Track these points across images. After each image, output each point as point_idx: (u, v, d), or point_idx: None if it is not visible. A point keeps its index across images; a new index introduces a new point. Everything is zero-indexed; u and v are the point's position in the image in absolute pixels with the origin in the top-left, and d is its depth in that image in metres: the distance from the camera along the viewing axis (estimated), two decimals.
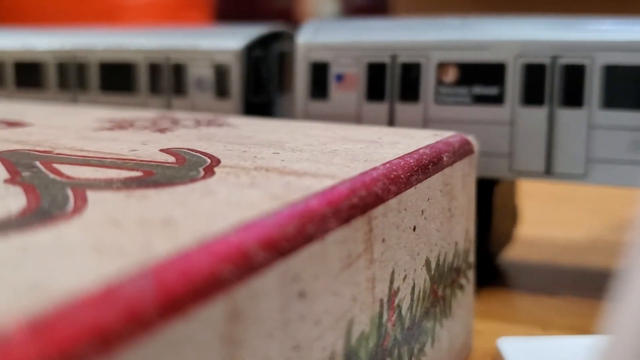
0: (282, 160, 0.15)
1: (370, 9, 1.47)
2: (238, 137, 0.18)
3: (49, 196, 0.12)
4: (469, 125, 0.23)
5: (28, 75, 0.31)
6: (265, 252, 0.10)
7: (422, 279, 0.16)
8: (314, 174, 0.14)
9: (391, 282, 0.15)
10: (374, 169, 0.15)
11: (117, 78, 0.28)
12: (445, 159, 0.17)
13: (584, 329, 0.22)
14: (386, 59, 0.24)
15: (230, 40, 0.27)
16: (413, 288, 0.16)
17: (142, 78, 0.28)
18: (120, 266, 0.09)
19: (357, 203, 0.13)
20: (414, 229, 0.15)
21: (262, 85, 0.27)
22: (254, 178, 0.14)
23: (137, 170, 0.14)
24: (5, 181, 0.13)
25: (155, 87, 0.28)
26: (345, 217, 0.13)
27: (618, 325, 0.09)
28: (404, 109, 0.24)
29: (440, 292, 0.17)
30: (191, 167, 0.15)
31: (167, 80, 0.28)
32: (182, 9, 1.28)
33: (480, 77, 0.23)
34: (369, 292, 0.14)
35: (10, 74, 0.31)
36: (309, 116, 0.25)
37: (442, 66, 0.23)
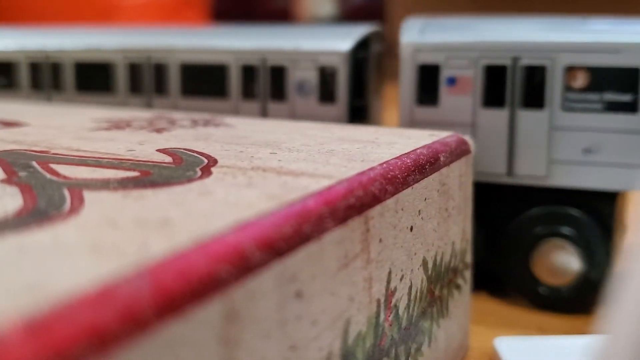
0: (279, 160, 0.15)
1: (368, 9, 1.47)
2: (235, 137, 0.18)
3: (46, 196, 0.12)
4: (600, 135, 0.21)
5: (94, 78, 0.29)
6: (262, 252, 0.10)
7: (419, 279, 0.16)
8: (311, 174, 0.14)
9: (388, 282, 0.15)
10: (371, 169, 0.15)
11: (204, 81, 0.26)
12: (442, 159, 0.17)
13: (581, 329, 0.22)
14: (507, 61, 0.22)
15: (336, 41, 0.25)
16: (410, 288, 0.16)
17: (234, 81, 0.26)
18: (117, 266, 0.09)
19: (354, 203, 0.13)
20: (411, 229, 0.15)
21: (362, 89, 0.26)
22: (251, 178, 0.14)
23: (134, 170, 0.14)
24: (2, 181, 0.13)
25: (248, 92, 0.26)
26: (342, 217, 0.13)
27: (614, 326, 0.09)
28: (526, 116, 0.22)
29: (437, 292, 0.17)
30: (188, 167, 0.15)
31: (262, 84, 0.25)
32: (179, 8, 1.28)
33: (612, 83, 0.21)
34: (366, 292, 0.14)
35: (69, 76, 0.29)
36: (415, 123, 0.23)
37: (570, 70, 0.21)
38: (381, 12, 1.25)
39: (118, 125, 0.20)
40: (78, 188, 0.13)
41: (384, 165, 0.15)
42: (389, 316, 0.15)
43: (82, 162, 0.15)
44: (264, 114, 0.26)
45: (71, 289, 0.08)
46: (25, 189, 0.13)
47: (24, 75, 0.29)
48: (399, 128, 0.21)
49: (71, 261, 0.09)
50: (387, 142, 0.18)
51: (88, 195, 0.12)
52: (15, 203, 0.12)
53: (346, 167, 0.15)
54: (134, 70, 0.28)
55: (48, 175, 0.14)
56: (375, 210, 0.14)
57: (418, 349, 0.16)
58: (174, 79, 0.27)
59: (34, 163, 0.15)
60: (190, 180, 0.13)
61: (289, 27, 0.27)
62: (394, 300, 0.15)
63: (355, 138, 0.18)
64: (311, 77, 0.25)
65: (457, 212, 0.18)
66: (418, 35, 0.23)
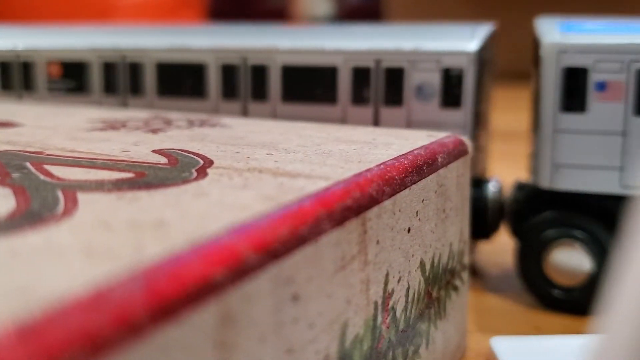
0: (276, 161, 0.15)
1: (365, 10, 1.47)
2: (231, 137, 0.18)
3: (39, 198, 0.12)
4: None
5: (177, 81, 0.26)
6: (258, 255, 0.10)
7: (416, 280, 0.16)
8: (307, 175, 0.14)
9: (385, 284, 0.14)
10: (368, 170, 0.14)
11: (309, 85, 0.24)
12: (439, 159, 0.17)
13: (577, 329, 0.22)
14: None
15: (461, 41, 0.23)
16: (407, 290, 0.16)
17: (343, 85, 0.24)
18: (110, 269, 0.09)
19: (351, 205, 0.13)
20: (409, 230, 0.15)
21: (480, 92, 0.24)
22: (247, 179, 0.14)
23: (129, 171, 0.14)
24: None
25: (359, 96, 0.24)
26: (339, 218, 0.12)
27: (611, 325, 0.09)
28: None
29: (434, 294, 0.17)
30: (183, 169, 0.14)
31: (375, 87, 0.23)
32: (176, 8, 1.28)
33: None
34: (363, 294, 0.13)
35: (151, 79, 0.27)
36: (559, 131, 0.22)
37: None
38: (378, 12, 1.25)
39: (113, 126, 0.20)
40: (72, 190, 0.13)
41: (381, 166, 0.15)
42: (387, 318, 0.15)
43: (77, 163, 0.15)
44: (376, 121, 0.24)
45: (64, 293, 0.08)
46: (18, 190, 0.13)
47: (95, 78, 0.27)
48: (395, 129, 0.21)
49: (64, 264, 0.09)
50: (384, 143, 0.17)
51: (82, 196, 0.12)
52: (8, 205, 0.12)
53: (343, 168, 0.15)
54: (229, 72, 0.25)
55: (42, 177, 0.14)
56: (373, 212, 0.14)
57: (415, 351, 0.16)
58: (274, 82, 0.25)
59: (28, 164, 0.15)
60: (185, 181, 0.13)
61: (403, 27, 0.25)
62: (391, 303, 0.15)
63: (352, 139, 0.18)
64: (433, 79, 0.23)
65: (454, 213, 0.18)
66: (562, 35, 0.22)
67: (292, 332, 0.11)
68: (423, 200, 0.16)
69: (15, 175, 0.14)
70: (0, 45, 0.29)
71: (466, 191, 0.19)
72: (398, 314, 0.15)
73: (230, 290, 0.09)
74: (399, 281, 0.15)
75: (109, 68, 0.27)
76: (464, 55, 0.23)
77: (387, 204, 0.14)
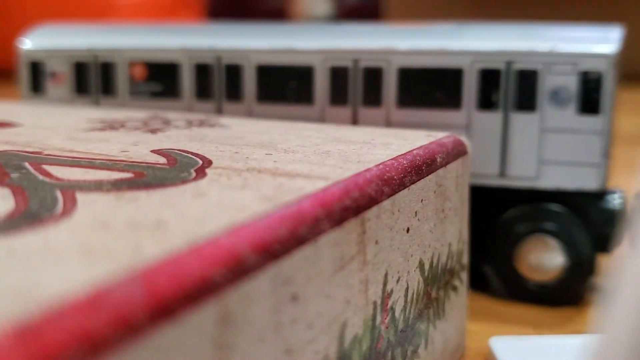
0: (275, 161, 0.15)
1: (364, 10, 1.47)
2: (230, 137, 0.18)
3: (38, 198, 0.12)
4: None
5: (280, 86, 0.24)
6: (256, 255, 0.10)
7: (415, 280, 0.16)
8: (306, 175, 0.14)
9: (384, 284, 0.14)
10: (367, 170, 0.14)
11: (428, 89, 0.23)
12: (438, 159, 0.17)
13: (576, 329, 0.22)
14: None
15: (598, 42, 0.21)
16: (406, 290, 0.16)
17: (469, 88, 0.22)
18: (109, 270, 0.09)
19: (350, 205, 0.13)
20: (408, 230, 0.15)
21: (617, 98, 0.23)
22: (246, 179, 0.14)
23: (128, 171, 0.14)
24: None
25: (487, 101, 0.22)
26: (338, 219, 0.12)
27: (609, 325, 0.09)
28: None
29: (433, 294, 0.17)
30: (182, 169, 0.14)
31: (505, 92, 0.22)
32: (174, 8, 1.28)
33: None
34: (362, 294, 0.13)
35: (251, 83, 0.24)
36: None
37: None
38: (377, 12, 1.25)
39: (112, 126, 0.20)
40: (71, 190, 0.13)
41: (380, 166, 0.15)
42: (386, 318, 0.15)
43: (75, 163, 0.15)
44: (504, 128, 0.22)
45: (62, 294, 0.08)
46: (17, 190, 0.13)
47: (186, 81, 0.25)
48: (393, 129, 0.21)
49: (62, 265, 0.09)
50: (383, 143, 0.17)
51: (81, 197, 0.12)
52: (7, 205, 0.12)
53: (342, 168, 0.15)
54: (338, 75, 0.23)
55: (40, 177, 0.14)
56: (372, 212, 0.14)
57: (414, 351, 0.16)
58: (390, 86, 0.23)
59: (27, 164, 0.15)
60: (184, 181, 0.13)
61: (533, 26, 0.23)
62: (390, 303, 0.15)
63: (351, 139, 0.18)
64: (569, 83, 0.21)
65: (453, 213, 0.18)
66: None
67: (291, 332, 0.11)
68: (422, 200, 0.16)
69: (14, 175, 0.14)
70: (76, 44, 0.27)
71: (465, 191, 0.19)
72: (397, 314, 0.15)
73: (229, 290, 0.09)
74: (398, 281, 0.15)
75: (202, 70, 0.25)
76: (604, 58, 0.21)
77: (386, 204, 0.14)
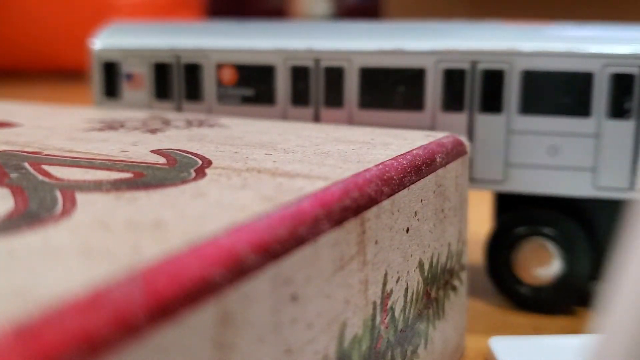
0: (274, 161, 0.15)
1: (363, 9, 1.47)
2: (230, 137, 0.18)
3: (37, 198, 0.12)
4: None
5: (387, 91, 0.22)
6: (256, 255, 0.10)
7: (415, 280, 0.16)
8: (306, 175, 0.14)
9: (384, 284, 0.14)
10: (367, 170, 0.14)
11: (556, 94, 0.21)
12: (438, 160, 0.17)
13: (576, 329, 0.22)
14: None
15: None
16: (406, 290, 0.16)
17: (599, 94, 0.21)
18: (108, 270, 0.09)
19: (349, 205, 0.13)
20: (407, 230, 0.15)
21: None
22: (246, 179, 0.14)
23: (127, 171, 0.14)
24: None
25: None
26: (338, 219, 0.12)
27: (609, 325, 0.09)
28: None
29: (433, 294, 0.17)
30: (182, 169, 0.14)
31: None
32: (173, 8, 1.28)
33: None
34: (362, 294, 0.13)
35: (353, 87, 0.22)
36: None
37: None
38: (376, 11, 1.25)
39: (111, 126, 0.20)
40: (70, 190, 0.13)
41: (380, 166, 0.15)
42: (385, 318, 0.15)
43: (75, 163, 0.15)
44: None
45: (62, 294, 0.08)
46: (16, 190, 0.12)
47: (281, 85, 0.23)
48: (393, 129, 0.21)
49: (62, 265, 0.09)
50: (382, 143, 0.17)
51: (80, 197, 0.12)
52: (6, 205, 0.12)
53: (342, 168, 0.15)
54: (452, 78, 0.22)
55: (40, 177, 0.14)
56: (371, 212, 0.14)
57: (414, 351, 0.16)
58: (512, 90, 0.21)
59: (26, 164, 0.15)
60: (184, 181, 0.13)
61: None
62: (390, 303, 0.15)
63: (350, 139, 0.18)
64: None
65: (453, 213, 0.18)
66: None
67: (290, 332, 0.11)
68: (422, 200, 0.16)
69: (14, 175, 0.14)
70: (156, 43, 0.24)
71: (465, 191, 0.19)
72: (397, 314, 0.15)
73: (228, 290, 0.09)
74: (397, 281, 0.15)
75: (299, 74, 0.23)
76: None
77: (386, 204, 0.14)
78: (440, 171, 0.17)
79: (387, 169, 0.15)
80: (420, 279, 0.16)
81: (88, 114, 0.22)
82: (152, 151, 0.16)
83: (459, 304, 0.19)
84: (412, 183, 0.15)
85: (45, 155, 0.16)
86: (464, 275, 0.19)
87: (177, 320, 0.09)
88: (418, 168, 0.16)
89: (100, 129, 0.19)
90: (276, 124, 0.21)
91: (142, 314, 0.08)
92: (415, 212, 0.16)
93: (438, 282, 0.17)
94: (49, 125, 0.20)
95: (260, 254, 0.10)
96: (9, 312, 0.07)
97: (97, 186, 0.13)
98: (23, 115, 0.22)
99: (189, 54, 0.24)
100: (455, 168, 0.18)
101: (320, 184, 0.13)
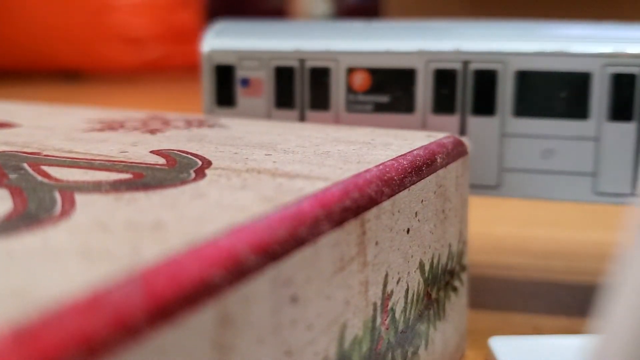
0: (274, 161, 0.15)
1: (363, 9, 1.47)
2: (229, 138, 0.18)
3: (36, 199, 0.12)
4: None
5: (545, 96, 0.20)
6: (256, 256, 0.10)
7: (415, 281, 0.16)
8: (306, 175, 0.14)
9: (384, 285, 0.14)
10: (367, 170, 0.14)
11: None
12: (439, 160, 0.17)
13: (576, 329, 0.22)
14: None
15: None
16: (407, 291, 0.15)
17: None
18: (107, 272, 0.09)
19: (350, 205, 0.13)
20: (408, 231, 0.15)
21: None
22: (246, 180, 0.13)
23: (127, 172, 0.14)
24: None
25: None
26: (338, 219, 0.12)
27: (608, 325, 0.09)
28: None
29: (434, 295, 0.17)
30: (182, 169, 0.14)
31: None
32: (173, 8, 1.28)
33: None
34: (362, 295, 0.13)
35: (506, 93, 0.20)
36: None
37: None
38: (376, 11, 1.25)
39: (111, 126, 0.20)
40: (69, 191, 0.13)
41: (380, 166, 0.15)
42: (386, 320, 0.14)
43: (74, 164, 0.15)
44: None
45: (61, 295, 0.08)
46: (15, 191, 0.12)
47: (421, 91, 0.21)
48: (393, 129, 0.21)
49: (61, 266, 0.09)
50: (383, 144, 0.17)
51: (80, 198, 0.12)
52: (5, 206, 0.11)
53: (342, 168, 0.14)
54: (621, 84, 0.20)
55: (39, 178, 0.14)
56: (372, 213, 0.14)
57: (415, 352, 0.16)
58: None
59: (25, 165, 0.15)
60: (183, 182, 0.13)
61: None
62: (390, 304, 0.15)
63: (350, 139, 0.18)
64: None
65: (453, 213, 0.18)
66: None
67: (290, 333, 0.11)
68: (422, 201, 0.16)
69: (13, 176, 0.14)
70: (277, 44, 0.22)
71: (465, 192, 0.19)
72: (397, 315, 0.15)
73: (228, 291, 0.09)
74: (398, 282, 0.15)
75: (443, 78, 0.21)
76: None
77: (386, 204, 0.14)
78: (440, 172, 0.17)
79: (387, 169, 0.15)
80: (421, 279, 0.16)
81: (87, 115, 0.22)
82: (152, 152, 0.16)
83: (460, 305, 0.19)
84: (413, 184, 0.15)
85: (45, 155, 0.16)
86: (464, 276, 0.19)
87: (177, 321, 0.09)
88: (418, 168, 0.16)
89: (100, 130, 0.19)
90: (276, 124, 0.21)
91: (141, 316, 0.08)
92: (416, 213, 0.16)
93: (439, 282, 0.17)
94: (48, 125, 0.20)
95: (260, 255, 0.10)
96: (8, 314, 0.07)
97: (96, 187, 0.13)
98: (22, 115, 0.22)
99: (315, 57, 0.22)
100: (456, 168, 0.18)
101: (320, 185, 0.13)
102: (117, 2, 1.22)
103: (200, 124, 0.20)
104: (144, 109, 0.26)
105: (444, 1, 1.09)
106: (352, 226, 0.13)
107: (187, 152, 0.16)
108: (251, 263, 0.10)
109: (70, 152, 0.16)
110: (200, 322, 0.09)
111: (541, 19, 0.24)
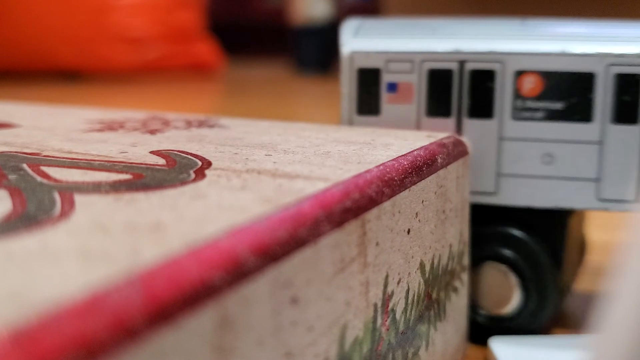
0: (274, 162, 0.15)
1: (363, 10, 1.47)
2: (229, 138, 0.18)
3: (36, 200, 0.12)
4: None
5: None
6: (256, 258, 0.10)
7: (416, 282, 0.16)
8: (306, 176, 0.14)
9: (385, 286, 0.14)
10: (368, 171, 0.14)
11: None
12: (439, 160, 0.17)
13: (575, 329, 0.22)
14: None
15: None
16: (407, 292, 0.15)
17: None
18: (107, 273, 0.09)
19: (350, 206, 0.13)
20: (408, 231, 0.15)
21: None
22: (246, 181, 0.13)
23: (127, 173, 0.14)
24: None
25: None
26: (339, 220, 0.12)
27: (609, 325, 0.09)
28: None
29: (434, 295, 0.17)
30: (182, 170, 0.14)
31: None
32: (173, 8, 1.28)
33: None
34: (363, 296, 0.13)
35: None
36: None
37: None
38: (376, 12, 1.25)
39: (111, 127, 0.20)
40: (69, 191, 0.12)
41: (381, 167, 0.15)
42: (386, 320, 0.14)
43: (74, 164, 0.15)
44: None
45: (59, 297, 0.08)
46: (14, 192, 0.12)
47: (601, 99, 0.19)
48: (393, 129, 0.21)
49: (60, 268, 0.09)
50: (383, 144, 0.17)
51: (79, 198, 0.12)
52: (4, 207, 0.11)
53: (342, 169, 0.14)
54: None
55: (38, 178, 0.13)
56: (372, 213, 0.14)
57: (415, 353, 0.16)
58: None
59: (25, 165, 0.15)
60: (183, 183, 0.13)
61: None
62: (391, 304, 0.15)
63: (350, 140, 0.18)
64: None
65: (454, 214, 0.18)
66: None
67: (291, 335, 0.11)
68: (423, 201, 0.16)
69: (12, 176, 0.14)
70: (433, 45, 0.20)
71: (466, 192, 0.19)
72: (398, 315, 0.15)
73: (228, 293, 0.09)
74: (398, 283, 0.15)
75: (627, 83, 0.19)
76: None
77: (387, 205, 0.14)
78: (441, 172, 0.17)
79: (387, 169, 0.15)
80: (422, 280, 0.16)
81: (87, 115, 0.22)
82: (152, 152, 0.16)
83: (460, 305, 0.19)
84: (413, 184, 0.15)
85: (44, 156, 0.16)
86: (465, 276, 0.19)
87: (176, 323, 0.08)
88: (419, 169, 0.16)
89: (100, 130, 0.19)
90: (276, 124, 0.21)
91: (140, 318, 0.08)
92: (417, 213, 0.16)
93: (439, 283, 0.17)
94: (47, 126, 0.20)
95: (260, 256, 0.10)
96: (6, 316, 0.07)
97: (95, 188, 0.13)
98: (22, 115, 0.22)
99: (478, 59, 0.19)
100: (456, 169, 0.18)
101: (320, 185, 0.13)
102: (117, 2, 1.22)
103: (200, 124, 0.20)
104: (144, 109, 0.26)
105: (445, 1, 1.09)
106: (352, 227, 0.13)
107: (187, 153, 0.16)
108: (251, 264, 0.10)
109: (70, 152, 0.16)
110: (199, 324, 0.09)
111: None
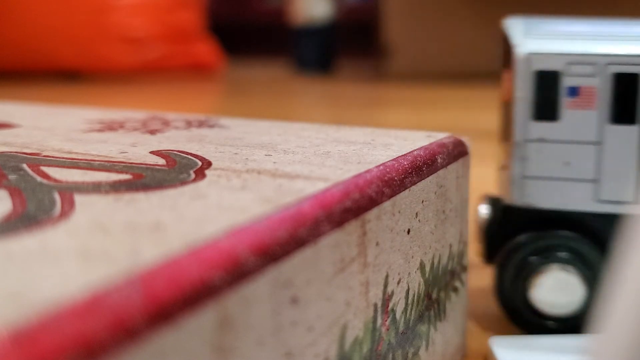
0: (274, 162, 0.15)
1: (363, 11, 1.47)
2: (229, 138, 0.18)
3: (36, 200, 0.12)
4: None
5: None
6: (256, 258, 0.10)
7: (416, 282, 0.16)
8: (306, 176, 0.14)
9: (385, 286, 0.14)
10: (368, 171, 0.14)
11: None
12: (439, 160, 0.17)
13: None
14: None
15: None
16: (407, 292, 0.15)
17: None
18: (107, 273, 0.09)
19: (350, 206, 0.13)
20: (408, 231, 0.15)
21: None
22: (246, 181, 0.13)
23: (127, 173, 0.14)
24: None
25: None
26: (339, 220, 0.12)
27: (609, 325, 0.09)
28: None
29: (434, 295, 0.17)
30: (182, 170, 0.14)
31: None
32: (173, 8, 1.28)
33: None
34: (363, 296, 0.13)
35: None
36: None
37: None
38: (376, 13, 1.25)
39: (111, 127, 0.20)
40: (69, 191, 0.12)
41: (381, 167, 0.15)
42: (386, 320, 0.14)
43: (74, 164, 0.15)
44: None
45: (59, 298, 0.08)
46: (14, 192, 0.12)
47: None
48: (393, 129, 0.21)
49: (60, 268, 0.09)
50: (383, 144, 0.17)
51: (79, 198, 0.12)
52: (4, 207, 0.11)
53: (342, 169, 0.14)
54: None
55: (38, 178, 0.13)
56: (372, 213, 0.14)
57: (415, 353, 0.16)
58: None
59: (25, 165, 0.15)
60: (183, 183, 0.13)
61: None
62: (391, 305, 0.15)
63: (351, 139, 0.18)
64: None
65: (454, 214, 0.18)
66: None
67: (291, 335, 0.11)
68: (423, 201, 0.16)
69: (12, 176, 0.14)
70: (617, 48, 0.18)
71: (466, 192, 0.19)
72: (398, 316, 0.15)
73: (228, 293, 0.09)
74: (398, 283, 0.15)
75: None
76: None
77: (387, 205, 0.14)
78: (441, 172, 0.17)
79: (387, 169, 0.15)
80: (422, 280, 0.16)
81: (87, 115, 0.22)
82: (152, 152, 0.16)
83: (460, 305, 0.19)
84: (413, 184, 0.15)
85: (44, 156, 0.16)
86: (465, 276, 0.19)
87: (176, 323, 0.08)
88: (419, 169, 0.16)
89: (100, 130, 0.19)
90: (276, 124, 0.21)
91: (140, 318, 0.08)
92: (417, 213, 0.16)
93: (439, 283, 0.17)
94: (47, 126, 0.20)
95: (260, 257, 0.10)
96: (6, 316, 0.07)
97: (95, 188, 0.13)
98: (22, 115, 0.22)
99: None
100: (457, 169, 0.18)
101: (320, 185, 0.13)
102: (117, 2, 1.22)
103: (200, 124, 0.20)
104: (144, 109, 0.26)
105: (444, 3, 1.09)
106: (352, 227, 0.13)
107: (187, 153, 0.16)
108: (251, 264, 0.10)
109: (70, 152, 0.16)
110: (199, 324, 0.09)
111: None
